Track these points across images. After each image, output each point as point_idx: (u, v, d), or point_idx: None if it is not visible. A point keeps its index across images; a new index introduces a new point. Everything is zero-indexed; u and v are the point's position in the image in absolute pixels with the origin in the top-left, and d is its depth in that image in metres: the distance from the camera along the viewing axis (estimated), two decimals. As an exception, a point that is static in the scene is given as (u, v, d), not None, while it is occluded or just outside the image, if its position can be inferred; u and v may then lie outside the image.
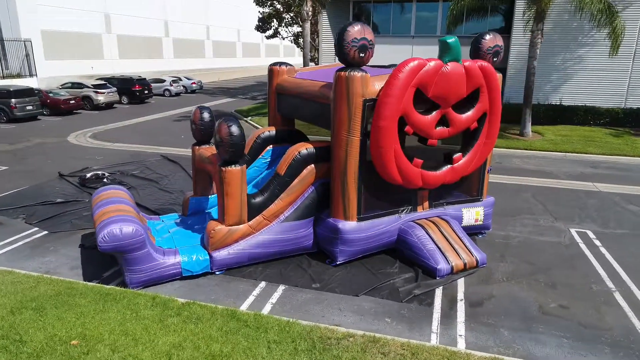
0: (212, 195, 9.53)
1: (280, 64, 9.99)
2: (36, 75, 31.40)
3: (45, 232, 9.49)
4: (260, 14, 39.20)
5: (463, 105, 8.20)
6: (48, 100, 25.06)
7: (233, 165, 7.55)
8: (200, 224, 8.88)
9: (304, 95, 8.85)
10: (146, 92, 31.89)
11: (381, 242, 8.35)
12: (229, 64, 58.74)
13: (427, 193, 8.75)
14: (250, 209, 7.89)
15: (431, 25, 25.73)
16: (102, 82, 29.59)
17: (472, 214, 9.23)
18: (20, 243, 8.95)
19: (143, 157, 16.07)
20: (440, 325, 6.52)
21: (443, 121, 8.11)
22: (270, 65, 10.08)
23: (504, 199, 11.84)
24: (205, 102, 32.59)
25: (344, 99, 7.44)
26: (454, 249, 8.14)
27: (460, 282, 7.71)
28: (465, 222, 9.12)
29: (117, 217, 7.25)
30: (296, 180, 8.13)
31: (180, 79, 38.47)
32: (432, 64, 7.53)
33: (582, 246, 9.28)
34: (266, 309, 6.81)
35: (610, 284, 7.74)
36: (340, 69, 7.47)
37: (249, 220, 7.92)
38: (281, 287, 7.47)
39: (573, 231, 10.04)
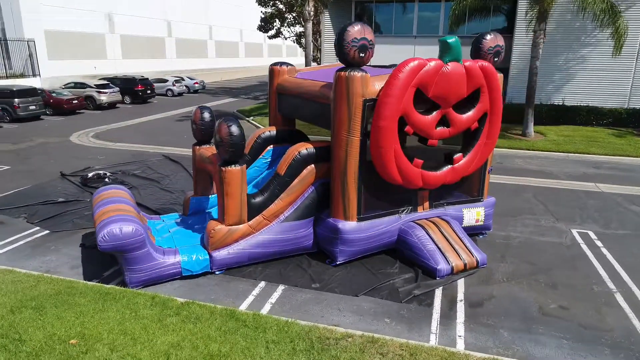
0: (213, 195, 9.54)
1: (281, 64, 9.99)
2: (39, 75, 31.51)
3: (47, 231, 9.52)
4: (263, 14, 39.23)
5: (464, 105, 8.17)
6: (51, 100, 25.15)
7: (233, 165, 7.55)
8: (200, 224, 8.89)
9: (304, 95, 8.85)
10: (149, 92, 31.97)
11: (381, 243, 8.34)
12: (232, 64, 58.83)
13: (427, 193, 8.74)
14: (250, 208, 7.89)
15: (433, 25, 25.71)
16: (105, 82, 29.66)
17: (473, 214, 9.20)
18: (21, 242, 8.98)
19: (145, 156, 16.10)
20: (439, 325, 6.50)
21: (443, 121, 8.09)
22: (271, 65, 10.08)
23: (505, 199, 11.80)
24: (207, 102, 32.65)
25: (344, 99, 7.43)
26: (454, 249, 8.12)
27: (461, 283, 7.69)
28: (465, 223, 9.10)
29: (117, 216, 7.26)
30: (296, 180, 8.13)
31: (183, 79, 38.55)
32: (432, 64, 7.52)
33: (584, 247, 9.25)
34: (265, 309, 6.81)
35: (611, 285, 7.71)
36: (340, 69, 7.46)
37: (249, 220, 7.92)
38: (281, 287, 7.47)
39: (574, 232, 10.01)
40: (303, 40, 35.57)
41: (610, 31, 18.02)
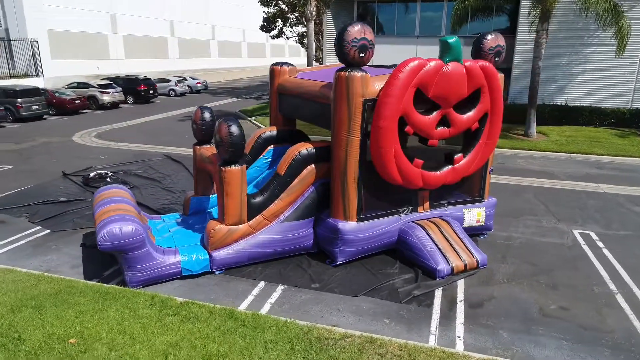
0: (213, 195, 9.55)
1: (282, 64, 9.99)
2: (43, 75, 31.63)
3: (48, 230, 9.55)
4: (265, 14, 39.25)
5: (464, 105, 8.15)
6: (54, 100, 25.24)
7: (233, 165, 7.55)
8: (200, 224, 8.90)
9: (304, 95, 8.84)
10: (151, 92, 32.03)
11: (381, 243, 8.33)
12: (234, 64, 58.88)
13: (427, 193, 8.72)
14: (250, 208, 7.89)
15: (436, 25, 25.66)
16: (108, 82, 29.75)
17: (474, 214, 9.18)
18: (22, 242, 9.01)
19: (147, 156, 16.14)
20: (439, 326, 6.49)
21: (444, 121, 8.07)
22: (272, 65, 10.08)
23: (507, 200, 11.77)
24: (210, 102, 32.70)
25: (344, 99, 7.42)
26: (454, 249, 8.10)
27: (461, 283, 7.67)
28: (466, 223, 9.07)
29: (117, 216, 7.28)
30: (296, 180, 8.12)
31: (186, 79, 38.61)
32: (432, 64, 7.50)
33: (585, 247, 9.21)
34: (265, 309, 6.80)
35: (612, 286, 7.67)
36: (340, 69, 7.45)
37: (248, 220, 7.92)
38: (280, 287, 7.47)
39: (576, 232, 9.97)
40: (305, 40, 35.62)
41: (613, 31, 17.94)
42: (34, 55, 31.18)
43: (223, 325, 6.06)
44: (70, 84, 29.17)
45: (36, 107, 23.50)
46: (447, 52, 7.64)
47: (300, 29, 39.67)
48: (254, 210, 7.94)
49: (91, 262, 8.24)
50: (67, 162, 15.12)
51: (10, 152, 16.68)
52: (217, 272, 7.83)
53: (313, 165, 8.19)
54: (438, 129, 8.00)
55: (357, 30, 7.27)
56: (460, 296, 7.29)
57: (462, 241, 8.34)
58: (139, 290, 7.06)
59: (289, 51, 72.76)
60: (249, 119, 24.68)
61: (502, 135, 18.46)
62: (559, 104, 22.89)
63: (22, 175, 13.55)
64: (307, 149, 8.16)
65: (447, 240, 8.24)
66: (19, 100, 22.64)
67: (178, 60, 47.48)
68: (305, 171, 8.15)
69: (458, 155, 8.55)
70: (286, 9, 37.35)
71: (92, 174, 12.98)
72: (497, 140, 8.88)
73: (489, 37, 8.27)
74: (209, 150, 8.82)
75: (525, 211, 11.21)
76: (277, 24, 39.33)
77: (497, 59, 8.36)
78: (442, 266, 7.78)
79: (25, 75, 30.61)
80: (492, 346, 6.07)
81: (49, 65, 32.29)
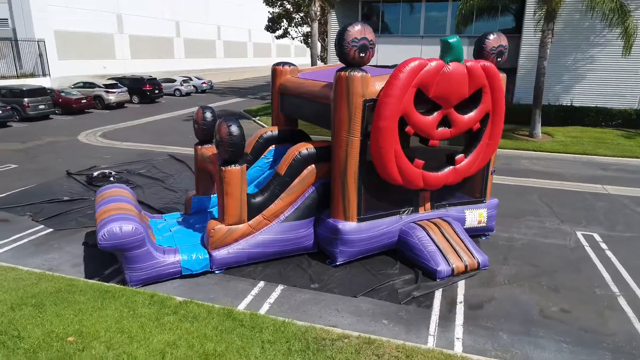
0: (215, 195, 9.56)
1: (284, 64, 9.99)
2: (49, 74, 31.85)
3: (51, 229, 9.61)
4: (270, 14, 39.29)
5: (465, 105, 8.11)
6: (60, 100, 25.43)
7: (233, 165, 7.56)
8: (201, 223, 8.91)
9: (305, 95, 8.84)
10: (157, 91, 32.19)
11: (382, 243, 8.30)
12: (240, 64, 59.01)
13: (428, 194, 8.68)
14: (250, 208, 7.90)
15: (440, 25, 25.56)
16: (114, 81, 29.93)
17: (475, 215, 9.13)
18: (25, 240, 9.07)
19: (150, 156, 16.21)
20: (437, 327, 6.45)
21: (445, 122, 8.03)
22: (274, 65, 10.08)
23: (510, 201, 11.69)
24: (215, 101, 32.79)
25: (344, 99, 7.40)
26: (455, 250, 8.06)
27: (461, 284, 7.63)
28: (468, 224, 9.02)
29: (118, 215, 7.31)
30: (296, 180, 8.12)
31: (191, 79, 38.75)
32: (433, 64, 7.47)
33: (588, 249, 9.13)
34: (263, 309, 6.80)
35: (614, 288, 7.60)
36: (341, 69, 7.44)
37: (248, 219, 7.93)
38: (280, 287, 7.46)
39: (579, 234, 9.88)
40: (310, 40, 35.61)
41: (620, 31, 17.79)
42: (40, 55, 31.42)
43: (221, 324, 6.07)
44: (76, 83, 29.36)
45: (42, 106, 23.68)
46: (448, 52, 7.60)
47: (305, 29, 39.65)
48: (254, 210, 7.94)
49: (92, 260, 8.28)
50: (72, 162, 15.22)
51: (16, 151, 16.82)
52: (217, 272, 7.84)
53: (313, 165, 8.18)
54: (439, 129, 7.96)
55: (357, 30, 7.25)
56: (460, 297, 7.25)
57: (463, 242, 8.30)
58: (138, 289, 7.08)
59: (295, 51, 72.80)
60: (253, 118, 24.73)
61: (506, 136, 18.36)
62: (564, 104, 22.72)
63: (27, 174, 13.65)
64: (307, 149, 8.15)
65: (448, 241, 8.20)
66: (26, 99, 22.84)
67: (184, 60, 47.65)
68: (305, 171, 8.14)
69: (459, 156, 8.51)
70: (291, 9, 37.35)
71: (95, 173, 13.06)
72: (499, 140, 8.82)
73: (491, 37, 8.22)
74: (210, 150, 8.84)
75: (528, 212, 11.13)
76: (282, 24, 39.36)
77: (499, 59, 8.31)
78: (443, 267, 7.75)
79: (32, 75, 30.85)
80: (491, 348, 6.03)
81: (55, 65, 32.53)
